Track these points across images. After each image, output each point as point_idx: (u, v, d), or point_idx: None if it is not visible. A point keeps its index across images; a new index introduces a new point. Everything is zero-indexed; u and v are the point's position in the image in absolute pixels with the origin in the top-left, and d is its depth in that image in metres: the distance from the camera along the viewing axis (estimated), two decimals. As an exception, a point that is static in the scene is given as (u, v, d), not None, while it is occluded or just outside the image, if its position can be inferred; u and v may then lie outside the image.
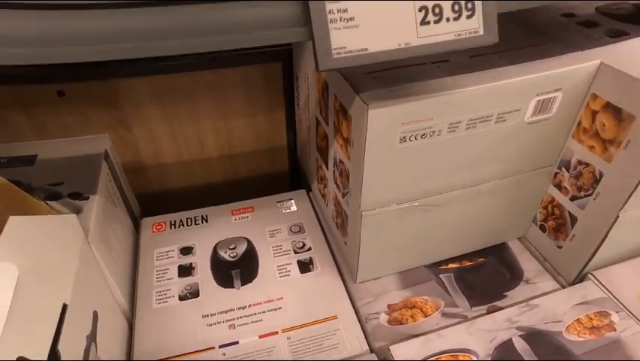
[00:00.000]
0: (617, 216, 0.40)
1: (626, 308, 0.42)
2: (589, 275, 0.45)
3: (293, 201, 0.59)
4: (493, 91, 0.37)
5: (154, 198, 0.64)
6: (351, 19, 0.26)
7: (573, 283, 0.46)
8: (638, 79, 0.36)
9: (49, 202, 0.40)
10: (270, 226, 0.55)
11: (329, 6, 0.26)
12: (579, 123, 0.42)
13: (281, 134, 0.67)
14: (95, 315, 0.34)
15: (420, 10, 0.27)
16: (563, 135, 0.43)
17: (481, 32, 0.29)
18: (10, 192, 0.33)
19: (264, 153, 0.68)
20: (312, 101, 0.52)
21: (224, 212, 0.57)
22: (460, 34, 0.28)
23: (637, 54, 0.39)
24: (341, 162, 0.44)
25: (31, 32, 0.22)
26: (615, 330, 0.40)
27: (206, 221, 0.56)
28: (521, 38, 0.44)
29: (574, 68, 0.38)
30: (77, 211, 0.40)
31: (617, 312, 0.41)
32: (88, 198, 0.42)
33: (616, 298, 0.43)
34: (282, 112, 0.64)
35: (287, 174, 0.71)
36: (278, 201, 0.59)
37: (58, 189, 0.42)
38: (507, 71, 0.38)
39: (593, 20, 0.47)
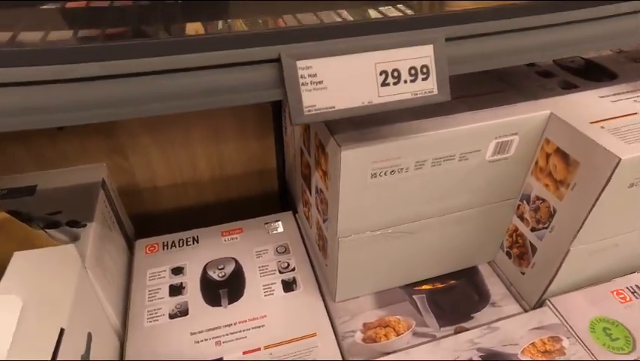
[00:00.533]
0: (569, 250, 0.44)
1: (576, 335, 0.45)
2: (547, 301, 0.49)
3: (280, 223, 0.62)
4: (454, 135, 0.41)
5: (148, 219, 0.68)
6: (320, 82, 0.30)
7: (534, 308, 0.50)
8: (580, 131, 0.40)
9: (48, 231, 0.43)
10: (257, 247, 0.58)
11: (300, 71, 0.30)
12: (536, 163, 0.46)
13: (270, 158, 0.71)
14: (90, 336, 0.37)
15: (380, 74, 0.31)
16: (523, 172, 0.47)
17: (435, 92, 0.33)
18: (10, 224, 0.36)
19: (254, 175, 0.72)
20: (297, 133, 0.55)
21: (215, 233, 0.61)
22: (416, 94, 0.32)
23: (583, 106, 0.44)
24: (321, 190, 0.48)
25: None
26: (565, 354, 0.44)
27: (197, 242, 0.59)
28: (485, 84, 0.48)
29: (527, 117, 0.42)
30: (75, 238, 0.44)
31: (567, 338, 0.45)
32: (85, 225, 0.45)
33: (568, 325, 0.46)
34: (271, 138, 0.68)
35: (276, 194, 0.75)
36: (265, 223, 0.62)
37: (56, 217, 0.45)
38: (468, 116, 0.42)
39: (550, 71, 0.51)
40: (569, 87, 0.48)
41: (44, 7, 0.34)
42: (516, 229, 0.51)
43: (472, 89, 0.47)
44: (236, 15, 0.38)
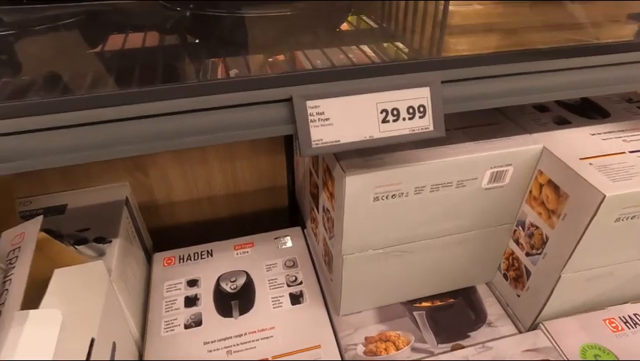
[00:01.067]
0: (560, 276, 0.46)
1: (566, 358, 0.47)
2: (540, 324, 0.51)
3: (289, 238, 0.66)
4: (452, 164, 0.44)
5: (165, 233, 0.72)
6: (327, 119, 0.34)
7: (529, 330, 0.52)
8: (569, 166, 0.43)
9: (77, 247, 0.47)
10: (267, 261, 0.62)
11: (310, 110, 0.34)
12: (530, 192, 0.49)
13: (281, 176, 0.74)
14: (114, 346, 0.41)
15: (381, 112, 0.35)
16: (518, 200, 0.50)
17: (431, 128, 0.36)
18: (47, 242, 0.40)
19: (266, 192, 0.75)
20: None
21: (227, 247, 0.64)
22: (414, 130, 0.36)
23: (574, 143, 0.46)
24: (327, 210, 0.51)
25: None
26: None
27: (211, 255, 0.63)
28: (483, 116, 0.51)
29: (521, 149, 0.45)
30: (101, 254, 0.48)
31: None
32: (110, 241, 0.49)
33: (560, 348, 0.48)
34: (282, 155, 0.72)
35: (286, 210, 0.78)
36: (275, 238, 0.66)
37: (85, 234, 0.50)
38: (466, 146, 0.45)
39: (545, 106, 0.54)
40: (562, 123, 0.51)
41: (89, 51, 0.38)
42: (512, 253, 0.54)
43: (472, 120, 0.50)
44: (252, 51, 0.42)
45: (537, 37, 0.40)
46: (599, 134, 0.48)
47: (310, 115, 0.34)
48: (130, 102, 0.30)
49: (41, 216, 0.36)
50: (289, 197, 0.77)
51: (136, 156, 0.30)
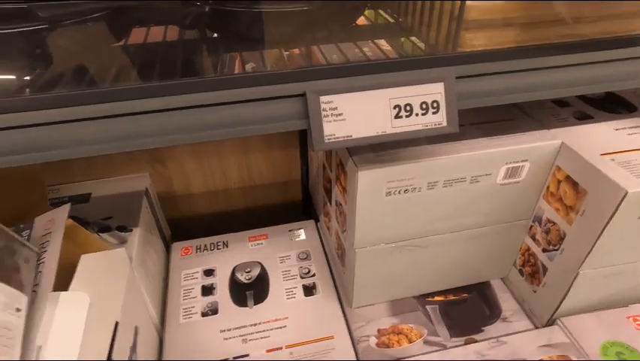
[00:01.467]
0: (578, 273, 0.46)
1: (587, 355, 0.47)
2: (558, 320, 0.50)
3: (302, 231, 0.67)
4: (465, 160, 0.44)
5: (183, 224, 0.74)
6: (340, 114, 0.35)
7: (546, 326, 0.51)
8: (589, 162, 0.42)
9: (101, 234, 0.49)
10: (281, 253, 0.63)
11: (323, 105, 0.34)
12: (548, 187, 0.48)
13: (295, 169, 0.75)
14: (136, 330, 0.43)
15: (394, 108, 0.35)
16: (535, 196, 0.49)
17: (445, 124, 0.36)
18: (74, 229, 0.42)
19: (280, 185, 0.76)
20: (319, 148, 0.60)
21: (242, 238, 0.66)
22: (427, 125, 0.36)
23: (595, 138, 0.45)
24: (340, 204, 0.52)
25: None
26: None
27: (227, 246, 0.64)
28: (500, 111, 0.50)
29: (537, 145, 0.45)
30: (123, 242, 0.49)
31: (578, 358, 0.46)
32: (131, 230, 0.51)
33: (579, 345, 0.48)
34: (296, 149, 0.73)
35: (300, 203, 0.79)
36: (289, 230, 0.67)
37: (108, 222, 0.52)
38: (480, 142, 0.45)
39: (565, 100, 0.53)
40: (583, 118, 0.49)
41: (113, 45, 0.40)
42: (528, 249, 0.53)
43: (488, 116, 0.49)
44: (269, 46, 0.43)
45: (556, 31, 0.39)
46: (624, 129, 0.47)
47: (323, 110, 0.34)
48: (150, 96, 0.31)
49: (69, 204, 0.38)
50: (303, 191, 0.78)
51: (156, 148, 0.31)
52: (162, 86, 0.32)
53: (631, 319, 0.50)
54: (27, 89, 0.32)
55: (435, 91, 0.36)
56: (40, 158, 0.30)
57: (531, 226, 0.52)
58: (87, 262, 0.36)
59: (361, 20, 0.45)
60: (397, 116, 0.35)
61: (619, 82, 0.38)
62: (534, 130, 0.47)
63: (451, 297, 0.56)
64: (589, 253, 0.44)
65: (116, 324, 0.37)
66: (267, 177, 0.75)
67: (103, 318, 0.36)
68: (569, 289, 0.47)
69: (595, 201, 0.42)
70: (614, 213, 0.40)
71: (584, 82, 0.37)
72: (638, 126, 0.47)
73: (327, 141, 0.35)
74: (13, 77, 0.34)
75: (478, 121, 0.48)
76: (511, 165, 0.46)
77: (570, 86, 0.37)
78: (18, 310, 0.28)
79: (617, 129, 0.47)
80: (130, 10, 0.43)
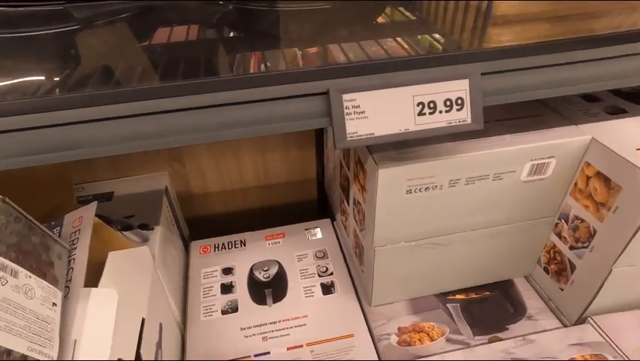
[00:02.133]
0: (611, 270, 0.45)
1: (624, 355, 0.45)
2: (589, 319, 0.49)
3: (319, 229, 0.67)
4: (487, 157, 0.43)
5: (200, 222, 0.75)
6: (362, 112, 0.34)
7: (575, 325, 0.50)
8: (623, 157, 0.41)
9: (124, 232, 0.50)
10: (298, 251, 0.63)
11: (345, 103, 0.34)
12: (575, 184, 0.47)
13: (311, 168, 0.75)
14: (161, 326, 0.43)
15: (417, 105, 0.35)
16: (561, 192, 0.49)
17: (469, 121, 0.36)
18: (100, 227, 0.43)
19: (296, 184, 0.77)
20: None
21: (260, 237, 0.66)
22: (451, 123, 0.36)
23: (629, 132, 0.44)
24: (358, 202, 0.52)
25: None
26: None
27: (244, 245, 0.65)
28: (526, 107, 0.49)
29: (564, 141, 0.44)
30: (145, 240, 0.50)
31: (614, 357, 0.45)
32: (153, 228, 0.52)
33: (615, 344, 0.46)
34: (312, 148, 0.73)
35: (315, 202, 0.79)
36: (306, 229, 0.67)
37: (130, 221, 0.52)
38: (503, 139, 0.44)
39: (595, 95, 0.52)
40: (616, 112, 0.48)
41: (139, 45, 0.40)
42: (554, 246, 0.52)
43: (513, 112, 0.49)
44: (291, 45, 0.43)
45: (583, 25, 0.38)
46: (662, 122, 0.46)
47: (346, 108, 0.34)
48: (171, 95, 0.32)
49: (95, 202, 0.39)
50: (318, 189, 0.78)
51: (172, 147, 0.32)
52: (184, 85, 0.32)
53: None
54: (57, 89, 0.33)
55: (459, 88, 0.35)
56: (69, 156, 0.31)
57: (557, 224, 0.51)
58: (114, 260, 0.36)
59: (383, 18, 0.45)
60: (420, 114, 0.35)
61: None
62: (561, 126, 0.46)
63: (473, 295, 0.56)
64: (623, 250, 0.43)
65: (143, 320, 0.38)
66: (283, 176, 0.75)
67: (131, 314, 0.37)
68: (601, 287, 0.46)
69: (629, 197, 0.41)
70: (649, 208, 0.39)
71: (611, 76, 0.36)
72: (673, 120, 0.46)
73: (349, 138, 0.35)
74: (44, 77, 0.35)
75: (502, 118, 0.48)
76: (536, 162, 0.45)
77: (599, 81, 0.36)
78: (54, 304, 0.29)
79: (651, 123, 0.46)
80: (156, 11, 0.43)
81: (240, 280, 0.59)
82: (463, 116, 0.36)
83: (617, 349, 0.46)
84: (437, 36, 0.40)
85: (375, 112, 0.35)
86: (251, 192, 0.76)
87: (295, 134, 0.71)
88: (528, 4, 0.36)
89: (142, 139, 0.32)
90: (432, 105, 0.35)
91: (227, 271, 0.61)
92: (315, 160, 0.74)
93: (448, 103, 0.35)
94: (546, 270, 0.54)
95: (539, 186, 0.47)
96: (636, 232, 0.41)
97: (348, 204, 0.58)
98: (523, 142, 0.44)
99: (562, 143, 0.44)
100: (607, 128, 0.45)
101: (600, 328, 0.48)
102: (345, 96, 0.34)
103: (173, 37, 0.41)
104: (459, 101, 0.35)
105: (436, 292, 0.56)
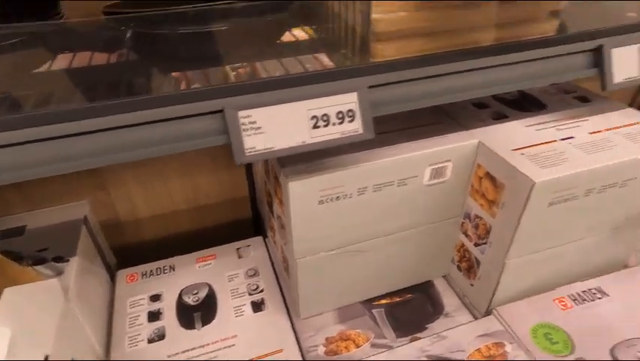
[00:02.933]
0: (505, 263, 0.49)
1: (518, 339, 0.50)
2: (493, 310, 0.53)
3: (250, 248, 0.67)
4: (390, 164, 0.46)
5: (131, 250, 0.72)
6: (259, 127, 0.36)
7: (484, 317, 0.54)
8: (503, 158, 0.45)
9: (36, 267, 0.47)
10: (229, 271, 0.63)
11: (242, 120, 0.35)
12: (472, 185, 0.51)
13: (242, 186, 0.76)
14: (72, 361, 0.41)
15: (312, 118, 0.37)
16: (462, 194, 0.53)
17: (361, 131, 0.38)
18: (2, 263, 0.41)
19: (228, 204, 0.76)
20: (259, 164, 0.61)
21: (190, 260, 0.65)
22: (345, 133, 0.38)
23: (508, 135, 0.49)
24: (279, 216, 0.53)
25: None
26: (507, 358, 0.48)
27: (174, 270, 0.64)
28: (426, 115, 0.53)
29: (458, 145, 0.48)
30: (60, 273, 0.48)
31: (510, 343, 0.49)
32: (68, 260, 0.50)
33: (512, 330, 0.50)
34: (242, 167, 0.74)
35: (250, 220, 0.79)
36: (237, 248, 0.67)
37: (43, 254, 0.50)
38: (405, 146, 0.47)
39: (485, 103, 0.57)
40: (500, 117, 0.54)
41: (35, 70, 0.40)
42: (463, 245, 0.56)
43: (414, 121, 0.52)
44: (189, 66, 0.44)
45: (461, 38, 0.43)
46: (534, 125, 0.51)
47: (242, 125, 0.35)
48: (67, 120, 0.31)
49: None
50: (252, 208, 0.78)
51: (96, 174, 0.31)
52: (78, 109, 0.32)
53: (557, 301, 0.53)
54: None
55: (349, 100, 0.38)
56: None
57: (463, 223, 0.55)
58: (11, 296, 0.35)
59: (279, 38, 0.47)
60: (315, 127, 0.37)
61: (517, 83, 0.42)
62: (455, 132, 0.50)
63: (397, 299, 0.58)
64: (511, 242, 0.47)
65: (46, 357, 0.36)
66: (215, 197, 0.75)
67: (29, 352, 0.35)
68: (499, 278, 0.50)
69: (511, 193, 0.46)
70: (526, 202, 0.44)
71: (483, 85, 0.41)
72: (546, 122, 0.52)
73: (248, 154, 0.36)
74: None
75: (404, 127, 0.51)
76: (435, 166, 0.49)
77: (475, 89, 0.41)
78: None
79: (527, 126, 0.51)
80: (52, 35, 0.43)
81: (169, 307, 0.58)
82: (355, 127, 0.38)
83: (514, 335, 0.50)
84: (327, 53, 0.42)
85: (271, 127, 0.36)
86: (182, 215, 0.75)
87: (224, 153, 0.71)
88: (405, 20, 0.40)
89: (37, 166, 0.32)
90: (325, 118, 0.37)
91: (155, 298, 0.59)
92: (246, 178, 0.75)
93: (340, 115, 0.38)
94: (459, 268, 0.58)
95: (441, 189, 0.51)
96: (518, 223, 0.45)
97: (274, 219, 0.59)
98: (422, 148, 0.47)
99: (455, 147, 0.48)
100: (491, 132, 0.50)
101: (502, 317, 0.52)
102: (241, 113, 0.35)
103: (71, 63, 0.41)
104: (350, 113, 0.38)
105: (362, 299, 0.58)
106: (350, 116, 0.38)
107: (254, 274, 0.62)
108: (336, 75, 0.38)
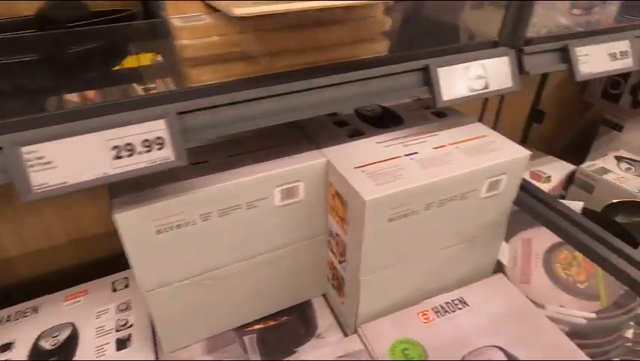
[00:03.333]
0: (359, 280, 0.48)
1: (376, 357, 0.49)
2: (358, 329, 0.52)
3: (127, 280, 0.63)
4: (233, 188, 0.45)
5: (3, 292, 0.66)
6: (49, 162, 0.34)
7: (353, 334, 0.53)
8: (343, 176, 0.45)
9: None
10: (99, 307, 0.59)
11: (26, 156, 0.33)
12: (330, 203, 0.51)
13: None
14: None
15: (113, 149, 0.35)
16: (322, 212, 0.52)
17: (173, 158, 0.37)
18: None
19: (111, 234, 0.72)
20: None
21: (57, 299, 0.60)
22: (154, 162, 0.36)
23: (357, 153, 0.49)
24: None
25: None
26: None
27: (37, 312, 0.59)
28: (282, 135, 0.53)
29: (306, 165, 0.47)
30: None
31: None
32: None
33: (371, 348, 0.50)
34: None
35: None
36: (113, 281, 0.63)
37: None
38: (250, 169, 0.46)
39: (345, 120, 0.57)
40: (355, 135, 0.53)
41: None
42: (332, 263, 0.56)
43: (269, 142, 0.51)
44: None
45: (287, 61, 0.42)
46: (385, 141, 0.52)
47: (28, 161, 0.33)
48: None
49: None
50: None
51: None
52: None
53: (420, 314, 0.54)
54: None
55: (157, 128, 0.36)
56: None
57: (329, 241, 0.55)
58: None
59: (92, 70, 0.45)
60: (117, 157, 0.35)
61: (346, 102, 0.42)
62: (308, 151, 0.50)
63: (271, 323, 0.57)
64: (359, 259, 0.47)
65: None
66: (97, 228, 0.71)
67: None
68: (358, 296, 0.50)
69: (352, 210, 0.46)
70: (364, 219, 0.44)
71: (302, 107, 0.40)
72: (397, 138, 0.52)
73: (36, 190, 0.33)
74: None
75: (257, 148, 0.50)
76: (284, 187, 0.48)
77: (304, 109, 0.40)
78: None
79: (378, 143, 0.52)
80: None
81: (21, 355, 0.53)
82: (165, 155, 0.37)
83: (373, 353, 0.50)
84: (139, 83, 0.41)
85: (65, 161, 0.34)
86: (62, 250, 0.70)
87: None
88: (220, 45, 0.39)
89: None
90: (129, 148, 0.36)
91: (6, 347, 0.54)
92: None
93: (147, 144, 0.36)
94: (333, 286, 0.57)
95: (297, 209, 0.50)
96: (362, 240, 0.45)
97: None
98: (268, 169, 0.46)
99: (304, 167, 0.48)
100: (341, 151, 0.50)
101: (365, 335, 0.51)
102: (25, 149, 0.33)
103: None
104: (159, 141, 0.36)
105: (235, 326, 0.56)
106: (159, 144, 0.36)
107: (125, 308, 0.59)
108: (140, 103, 0.36)
